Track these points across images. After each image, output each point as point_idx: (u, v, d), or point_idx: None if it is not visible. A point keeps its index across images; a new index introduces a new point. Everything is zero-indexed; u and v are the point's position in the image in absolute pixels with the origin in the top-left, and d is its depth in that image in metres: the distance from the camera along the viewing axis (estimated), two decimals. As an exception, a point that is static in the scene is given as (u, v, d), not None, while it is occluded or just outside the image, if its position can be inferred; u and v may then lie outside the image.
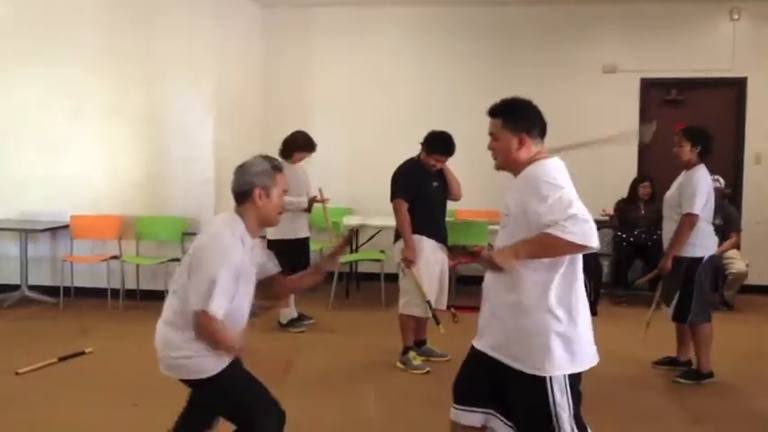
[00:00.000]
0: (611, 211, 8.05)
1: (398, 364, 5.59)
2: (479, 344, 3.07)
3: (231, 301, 3.04)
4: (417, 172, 5.51)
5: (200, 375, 3.12)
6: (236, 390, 3.17)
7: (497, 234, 3.09)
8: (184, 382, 3.22)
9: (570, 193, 2.81)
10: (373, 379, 5.39)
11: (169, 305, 3.22)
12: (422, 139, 5.52)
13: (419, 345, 5.74)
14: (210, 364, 3.10)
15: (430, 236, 5.49)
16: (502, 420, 3.06)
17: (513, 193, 2.95)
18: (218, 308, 2.96)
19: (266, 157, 3.32)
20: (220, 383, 3.13)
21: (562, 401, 2.88)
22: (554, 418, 2.88)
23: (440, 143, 5.46)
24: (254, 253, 3.25)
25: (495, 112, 3.07)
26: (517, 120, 3.00)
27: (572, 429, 2.89)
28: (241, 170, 3.23)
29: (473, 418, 3.09)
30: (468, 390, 3.13)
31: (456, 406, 3.15)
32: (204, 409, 3.42)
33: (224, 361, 3.12)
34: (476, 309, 3.20)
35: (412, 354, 5.59)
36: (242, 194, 3.17)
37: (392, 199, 5.54)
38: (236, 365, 3.19)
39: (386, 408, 4.79)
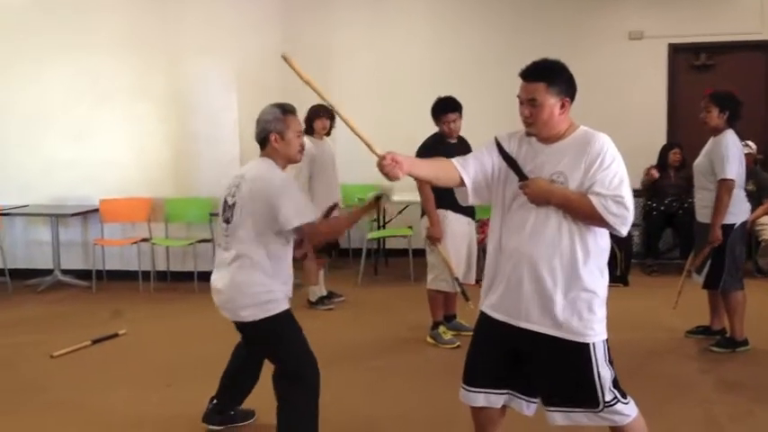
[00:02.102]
0: (655, 173, 7.88)
1: (428, 339, 5.59)
2: (505, 316, 2.91)
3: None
4: (439, 146, 5.44)
5: (265, 314, 3.45)
6: (291, 334, 3.51)
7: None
8: (242, 328, 3.60)
9: (625, 174, 2.81)
10: (403, 355, 5.40)
11: (228, 256, 3.51)
12: None
13: (449, 319, 5.73)
14: (272, 306, 3.46)
15: (456, 210, 5.45)
16: (523, 399, 3.00)
17: (567, 160, 2.82)
18: (312, 215, 3.46)
19: (277, 104, 3.67)
20: (276, 324, 3.48)
21: (604, 367, 2.85)
22: (598, 385, 2.83)
23: (436, 106, 5.51)
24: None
25: (535, 74, 2.86)
26: (561, 82, 2.85)
27: (614, 395, 2.86)
28: (257, 121, 3.62)
29: (495, 399, 3.00)
30: (487, 369, 3.00)
31: (469, 387, 3.02)
32: (253, 365, 3.92)
33: (284, 304, 3.49)
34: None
35: (442, 328, 5.58)
36: (262, 142, 3.59)
37: None
38: (290, 314, 3.53)
39: (416, 383, 4.79)
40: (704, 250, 5.17)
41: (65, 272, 7.90)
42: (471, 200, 2.97)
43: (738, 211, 5.08)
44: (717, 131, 5.09)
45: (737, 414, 4.17)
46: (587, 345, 2.83)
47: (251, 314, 3.47)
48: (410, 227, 7.93)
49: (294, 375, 3.50)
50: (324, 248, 6.47)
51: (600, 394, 2.83)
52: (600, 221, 2.77)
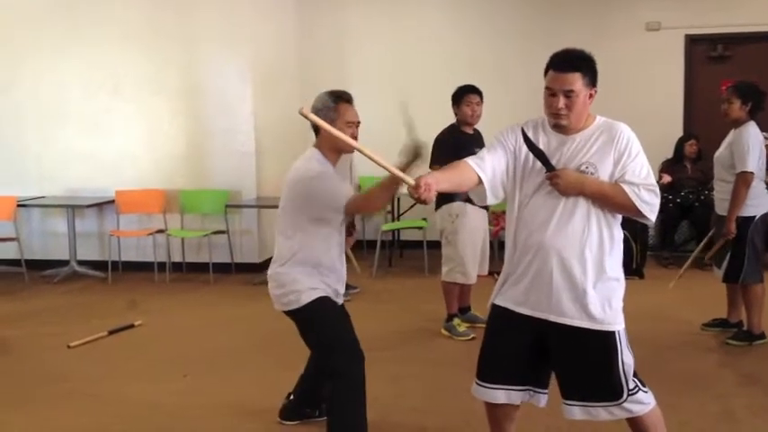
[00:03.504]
0: (666, 178, 7.86)
1: (443, 332, 5.59)
2: (531, 310, 2.87)
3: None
4: (455, 140, 5.42)
5: (296, 305, 3.43)
6: (322, 322, 3.47)
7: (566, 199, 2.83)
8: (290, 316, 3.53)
9: (647, 162, 2.86)
10: (419, 346, 5.40)
11: (276, 248, 3.54)
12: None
13: (463, 311, 5.73)
14: (303, 296, 3.41)
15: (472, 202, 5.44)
16: (540, 392, 3.00)
17: (596, 151, 2.82)
18: (344, 198, 3.36)
19: (330, 92, 3.52)
20: (309, 313, 3.43)
21: (627, 354, 2.86)
22: (622, 374, 2.83)
23: (459, 89, 5.52)
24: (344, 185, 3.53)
25: (570, 64, 2.81)
26: (591, 72, 2.83)
27: (636, 383, 2.87)
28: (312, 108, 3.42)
29: (516, 396, 2.97)
30: (508, 365, 2.95)
31: (487, 384, 2.98)
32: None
33: (315, 293, 3.42)
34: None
35: (456, 321, 5.58)
36: (315, 129, 3.39)
37: (430, 165, 5.48)
38: (327, 301, 3.48)
39: (432, 375, 4.79)
40: (719, 242, 5.14)
41: (81, 263, 7.94)
42: (490, 199, 2.92)
43: (759, 203, 5.05)
44: (738, 123, 5.05)
45: (755, 408, 4.14)
46: (614, 333, 2.84)
47: (280, 304, 3.50)
48: (425, 219, 7.93)
49: (330, 369, 3.48)
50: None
51: (624, 383, 2.83)
52: (634, 211, 2.80)
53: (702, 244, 5.34)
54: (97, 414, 4.25)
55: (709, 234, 5.30)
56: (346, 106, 3.48)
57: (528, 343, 2.92)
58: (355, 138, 3.37)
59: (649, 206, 2.80)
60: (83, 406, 4.37)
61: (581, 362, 2.87)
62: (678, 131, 8.30)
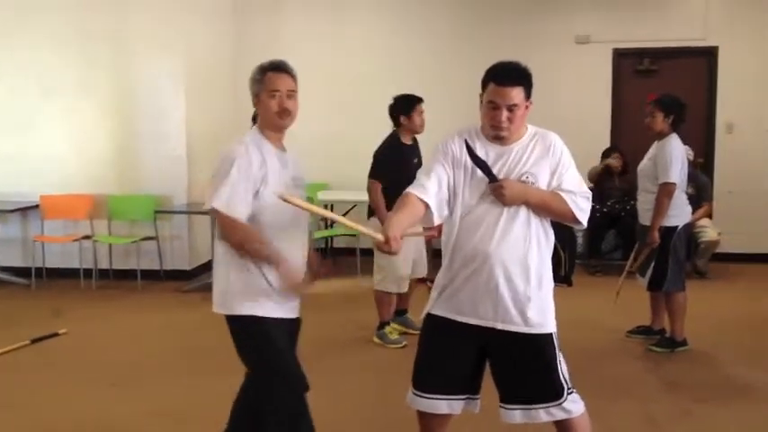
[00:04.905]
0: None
1: (375, 339, 5.59)
2: (475, 319, 2.88)
3: (248, 207, 2.97)
4: (396, 155, 5.45)
5: (230, 311, 3.06)
6: (260, 342, 3.09)
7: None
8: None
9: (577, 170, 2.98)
10: (352, 354, 5.40)
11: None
12: (392, 113, 5.52)
13: (400, 314, 5.75)
14: (238, 303, 3.04)
15: None
16: (477, 399, 3.03)
17: (533, 161, 2.88)
18: (227, 203, 2.91)
19: (261, 64, 3.28)
20: (245, 326, 3.06)
21: (561, 356, 2.94)
22: (560, 374, 2.90)
23: (405, 99, 5.49)
24: (294, 174, 3.24)
25: (515, 79, 2.84)
26: (530, 86, 2.88)
27: (569, 384, 2.93)
28: None
29: (457, 405, 2.98)
30: (450, 375, 2.96)
31: (426, 394, 2.98)
32: None
33: (260, 307, 3.04)
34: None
35: (388, 329, 5.59)
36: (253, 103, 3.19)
37: (369, 177, 5.49)
38: (274, 322, 3.09)
39: (363, 383, 4.79)
40: (643, 251, 5.28)
41: (3, 269, 7.72)
42: (436, 220, 2.91)
43: (681, 213, 5.21)
44: (661, 136, 5.20)
45: (676, 414, 4.26)
46: (551, 334, 2.91)
47: (216, 305, 3.14)
48: (358, 226, 7.92)
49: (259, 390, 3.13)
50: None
51: (564, 382, 2.89)
52: (571, 217, 2.91)
53: (632, 257, 5.47)
54: (19, 425, 4.12)
55: (636, 246, 5.44)
56: (272, 75, 3.20)
57: (470, 351, 2.94)
58: (288, 111, 3.19)
59: (584, 213, 2.92)
60: (4, 417, 4.22)
61: (525, 366, 2.91)
62: (605, 143, 8.50)
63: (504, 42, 8.32)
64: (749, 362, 5.16)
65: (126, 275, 7.55)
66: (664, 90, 5.92)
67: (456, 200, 2.92)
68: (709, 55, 8.54)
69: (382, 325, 5.61)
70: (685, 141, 5.29)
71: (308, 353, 5.34)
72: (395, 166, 5.35)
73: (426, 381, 3.00)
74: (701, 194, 7.58)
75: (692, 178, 5.91)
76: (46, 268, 7.73)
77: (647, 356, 5.28)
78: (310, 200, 7.79)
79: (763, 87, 8.47)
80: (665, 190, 5.05)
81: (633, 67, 8.72)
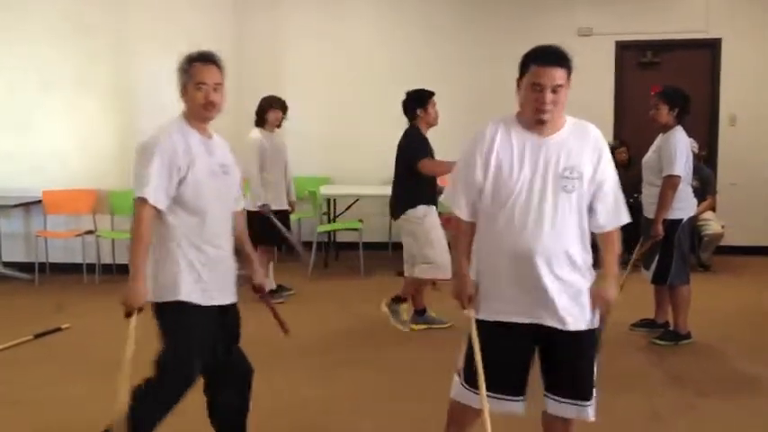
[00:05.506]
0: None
1: (384, 308, 5.62)
2: (528, 318, 2.80)
3: (169, 195, 2.97)
4: (426, 142, 5.53)
5: (153, 298, 3.08)
6: (168, 327, 3.11)
7: (549, 199, 2.77)
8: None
9: None
10: (357, 348, 5.39)
11: None
12: (408, 107, 5.53)
13: (420, 314, 5.75)
14: (159, 289, 3.07)
15: (434, 203, 5.55)
16: (520, 401, 2.93)
17: (575, 154, 2.79)
18: (153, 194, 2.92)
19: (189, 54, 3.23)
20: (161, 313, 3.10)
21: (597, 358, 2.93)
22: (594, 367, 2.90)
23: (420, 93, 5.54)
24: (221, 161, 3.20)
25: (559, 59, 2.75)
26: (572, 70, 2.78)
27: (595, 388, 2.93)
28: None
29: (517, 406, 2.90)
30: (512, 378, 2.87)
31: (503, 396, 2.87)
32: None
33: (177, 292, 3.04)
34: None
35: (404, 306, 5.63)
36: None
37: (416, 162, 5.41)
38: (194, 309, 3.06)
39: (366, 377, 4.78)
40: (647, 244, 5.26)
41: (6, 264, 7.72)
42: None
43: (686, 206, 5.19)
44: (666, 128, 5.18)
45: (680, 407, 4.25)
46: (594, 331, 2.89)
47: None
48: (360, 220, 7.92)
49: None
50: (271, 240, 6.44)
51: (594, 380, 2.89)
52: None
53: (637, 250, 5.45)
54: (21, 421, 4.12)
55: (641, 240, 5.42)
56: (199, 67, 3.15)
57: (526, 350, 2.88)
58: (213, 104, 3.15)
59: (627, 213, 2.95)
60: (5, 413, 4.23)
61: (573, 360, 2.86)
62: (608, 137, 8.47)
63: (505, 36, 8.31)
64: (753, 355, 5.15)
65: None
66: (667, 83, 5.89)
67: (490, 198, 2.83)
68: (711, 47, 8.51)
69: (399, 300, 5.63)
70: (688, 134, 5.26)
71: (314, 345, 5.37)
72: (430, 153, 5.50)
73: (497, 384, 2.86)
74: (704, 187, 7.56)
75: (695, 171, 5.89)
76: (49, 263, 7.73)
77: (651, 350, 5.27)
78: (312, 195, 7.80)
79: (766, 79, 8.44)
80: (670, 183, 5.03)
81: (636, 60, 8.70)
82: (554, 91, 2.72)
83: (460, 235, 2.94)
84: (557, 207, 2.76)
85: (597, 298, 2.84)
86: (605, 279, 2.89)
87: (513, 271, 2.80)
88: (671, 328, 5.41)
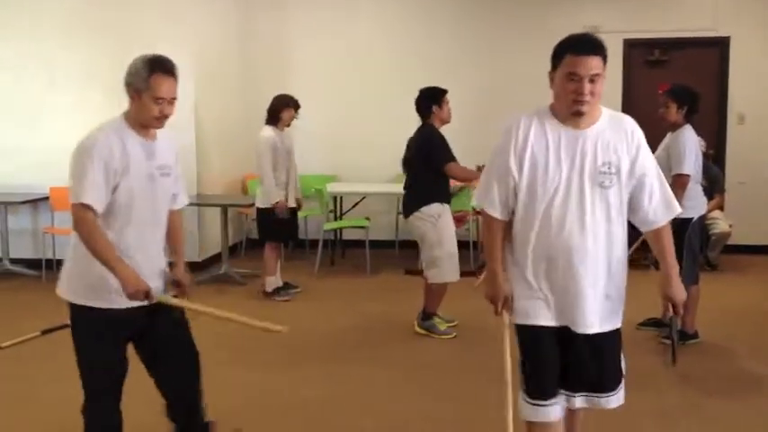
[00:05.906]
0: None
1: (418, 330, 5.56)
2: (568, 322, 2.76)
3: (107, 198, 2.95)
4: (444, 139, 5.48)
5: (65, 295, 3.08)
6: (82, 340, 3.18)
7: (588, 196, 2.69)
8: None
9: None
10: (364, 345, 5.39)
11: None
12: (422, 105, 5.47)
13: (428, 317, 5.68)
14: (71, 286, 3.06)
15: (448, 201, 5.55)
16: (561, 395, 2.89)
17: (612, 147, 2.70)
18: (91, 197, 2.90)
19: (146, 59, 3.07)
20: (73, 319, 3.10)
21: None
22: (622, 362, 2.93)
23: (433, 91, 5.51)
24: (162, 163, 3.14)
25: (596, 48, 2.68)
26: (607, 59, 2.71)
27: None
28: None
29: (555, 410, 2.85)
30: (555, 378, 2.82)
31: (543, 402, 2.81)
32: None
33: (96, 298, 3.02)
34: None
35: (437, 320, 5.58)
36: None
37: (443, 165, 5.36)
38: (110, 314, 3.03)
39: (371, 375, 4.78)
40: (636, 243, 5.24)
41: (14, 261, 7.73)
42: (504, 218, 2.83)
43: (696, 204, 5.17)
44: (675, 126, 5.16)
45: (687, 406, 4.25)
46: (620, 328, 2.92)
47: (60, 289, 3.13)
48: (367, 218, 7.93)
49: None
50: (278, 236, 6.45)
51: (623, 368, 2.93)
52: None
53: (635, 245, 5.43)
54: (30, 417, 4.16)
55: (642, 237, 5.39)
56: (160, 79, 2.98)
57: (561, 350, 2.83)
58: (167, 117, 3.04)
59: (675, 202, 2.89)
60: (15, 409, 4.26)
61: (604, 356, 2.87)
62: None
63: (512, 34, 8.28)
64: (761, 355, 5.13)
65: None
66: (675, 81, 5.87)
67: (527, 197, 2.75)
68: (720, 45, 8.48)
69: (429, 315, 5.58)
70: (696, 132, 5.24)
71: (316, 343, 5.37)
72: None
73: (539, 389, 2.83)
74: (712, 186, 7.52)
75: (704, 170, 5.87)
76: (57, 260, 7.74)
77: (659, 349, 5.26)
78: (319, 192, 7.81)
79: (775, 78, 8.41)
80: (679, 181, 5.01)
81: (644, 58, 8.67)
82: (591, 80, 2.64)
83: (495, 234, 2.83)
84: (594, 204, 2.69)
85: (668, 300, 2.87)
86: (669, 280, 2.87)
87: (549, 273, 2.75)
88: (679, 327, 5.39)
